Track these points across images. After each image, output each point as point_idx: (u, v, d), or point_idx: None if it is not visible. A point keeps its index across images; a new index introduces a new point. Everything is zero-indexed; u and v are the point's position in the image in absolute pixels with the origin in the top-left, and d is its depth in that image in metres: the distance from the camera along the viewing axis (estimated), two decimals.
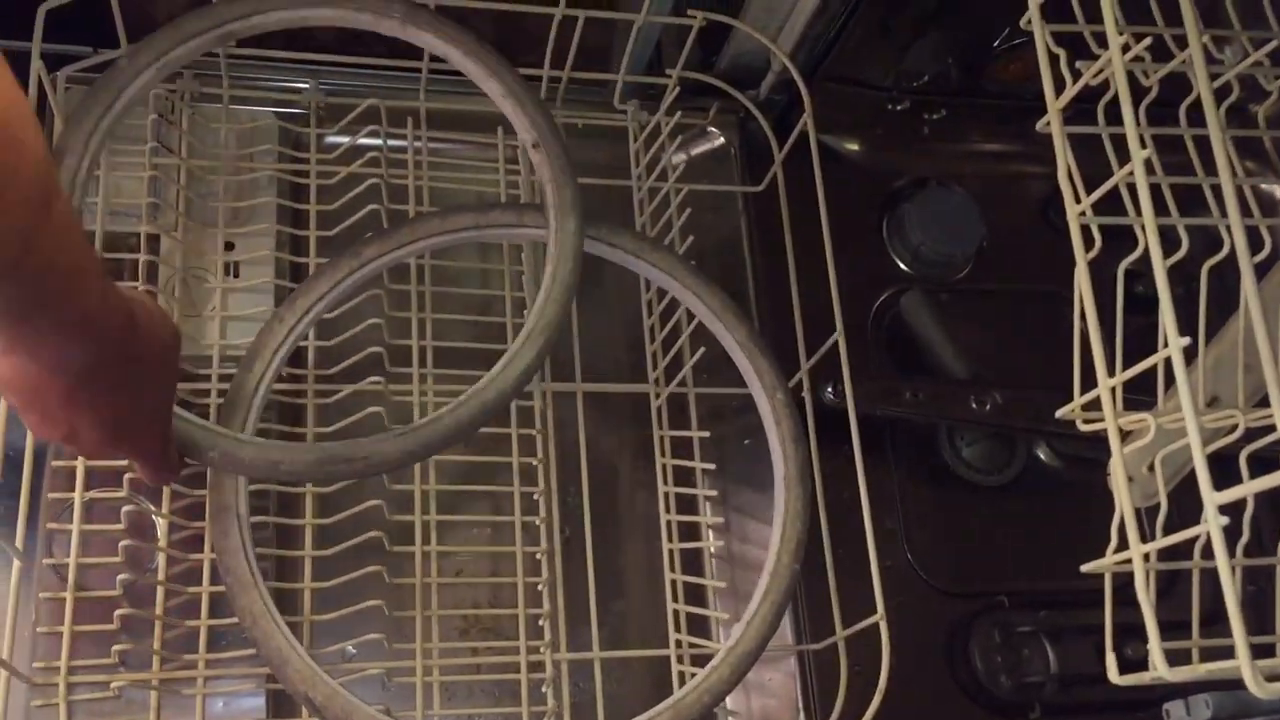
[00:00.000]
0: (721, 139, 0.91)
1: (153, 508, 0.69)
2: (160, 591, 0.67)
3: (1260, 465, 0.62)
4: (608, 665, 0.71)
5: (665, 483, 0.77)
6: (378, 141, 0.78)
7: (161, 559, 0.68)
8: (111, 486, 0.68)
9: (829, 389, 0.77)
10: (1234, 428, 0.59)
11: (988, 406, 0.81)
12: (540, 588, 0.72)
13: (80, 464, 0.68)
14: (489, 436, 0.74)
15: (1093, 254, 0.53)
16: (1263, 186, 0.92)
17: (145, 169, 0.74)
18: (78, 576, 0.66)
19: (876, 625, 0.68)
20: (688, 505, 0.77)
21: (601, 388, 0.79)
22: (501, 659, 0.71)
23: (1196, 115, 0.61)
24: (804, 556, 0.70)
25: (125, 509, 0.67)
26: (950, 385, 0.85)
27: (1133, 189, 0.53)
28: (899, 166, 0.94)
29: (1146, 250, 0.52)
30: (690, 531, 0.77)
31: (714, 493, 0.79)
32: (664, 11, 0.80)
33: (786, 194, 0.81)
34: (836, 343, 0.74)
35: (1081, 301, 0.54)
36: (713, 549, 0.79)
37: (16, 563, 0.63)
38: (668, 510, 0.77)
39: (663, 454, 0.78)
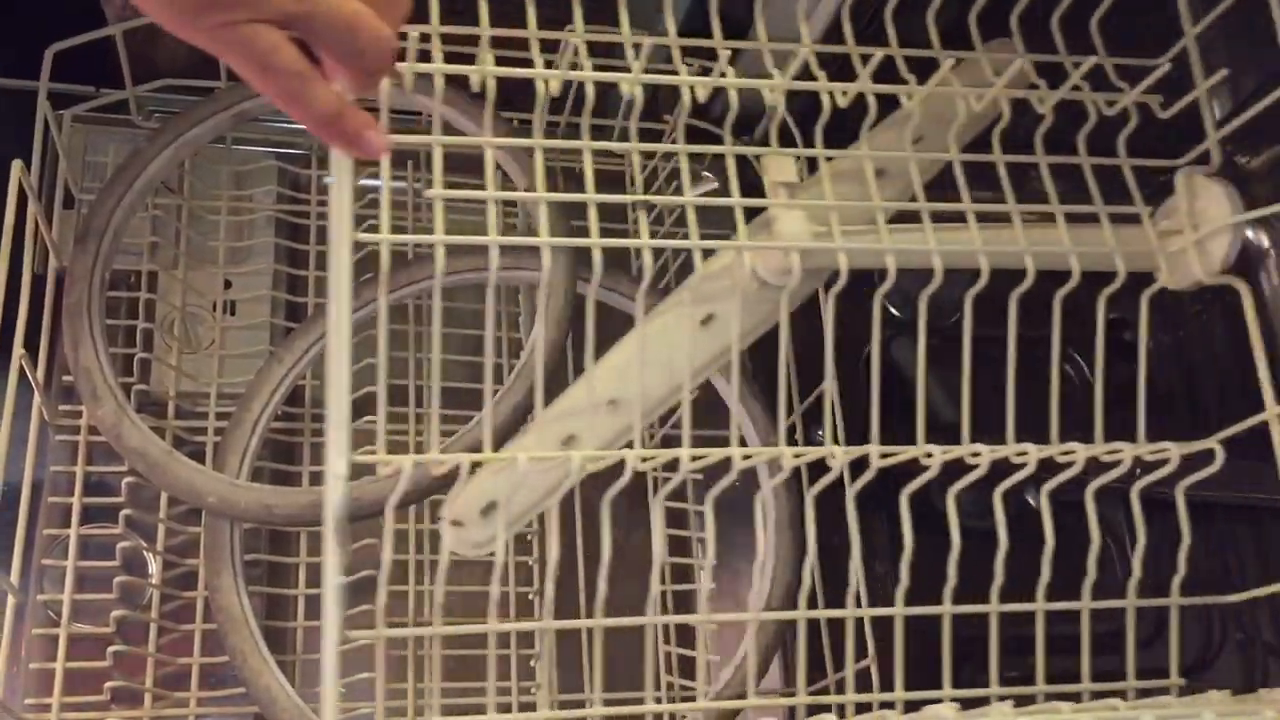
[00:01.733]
0: (717, 184, 0.92)
1: (146, 544, 0.69)
2: (153, 628, 0.67)
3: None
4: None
5: (658, 524, 0.78)
6: (378, 183, 0.79)
7: (155, 596, 0.68)
8: (107, 523, 0.68)
9: (820, 433, 0.78)
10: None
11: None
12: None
13: (76, 500, 0.68)
14: None
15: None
16: None
17: (148, 209, 0.74)
18: (71, 613, 0.66)
19: (867, 670, 0.68)
20: (680, 547, 0.78)
21: None
22: (493, 700, 0.71)
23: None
24: (793, 601, 0.70)
25: (120, 545, 0.67)
26: (940, 430, 0.86)
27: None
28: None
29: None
30: (682, 573, 0.78)
31: (705, 535, 0.79)
32: (661, 59, 0.81)
33: None
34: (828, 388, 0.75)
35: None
36: (705, 591, 0.79)
37: (11, 599, 0.64)
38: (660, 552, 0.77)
39: (655, 495, 0.78)
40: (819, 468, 0.77)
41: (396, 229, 0.78)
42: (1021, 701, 0.63)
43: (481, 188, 0.83)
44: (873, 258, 0.62)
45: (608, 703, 0.68)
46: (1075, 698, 0.64)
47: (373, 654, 0.67)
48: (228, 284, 0.77)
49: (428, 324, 0.78)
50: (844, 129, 0.65)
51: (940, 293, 0.92)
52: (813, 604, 0.73)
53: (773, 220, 0.62)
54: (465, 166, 0.83)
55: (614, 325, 0.84)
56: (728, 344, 0.62)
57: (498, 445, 0.66)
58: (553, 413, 0.63)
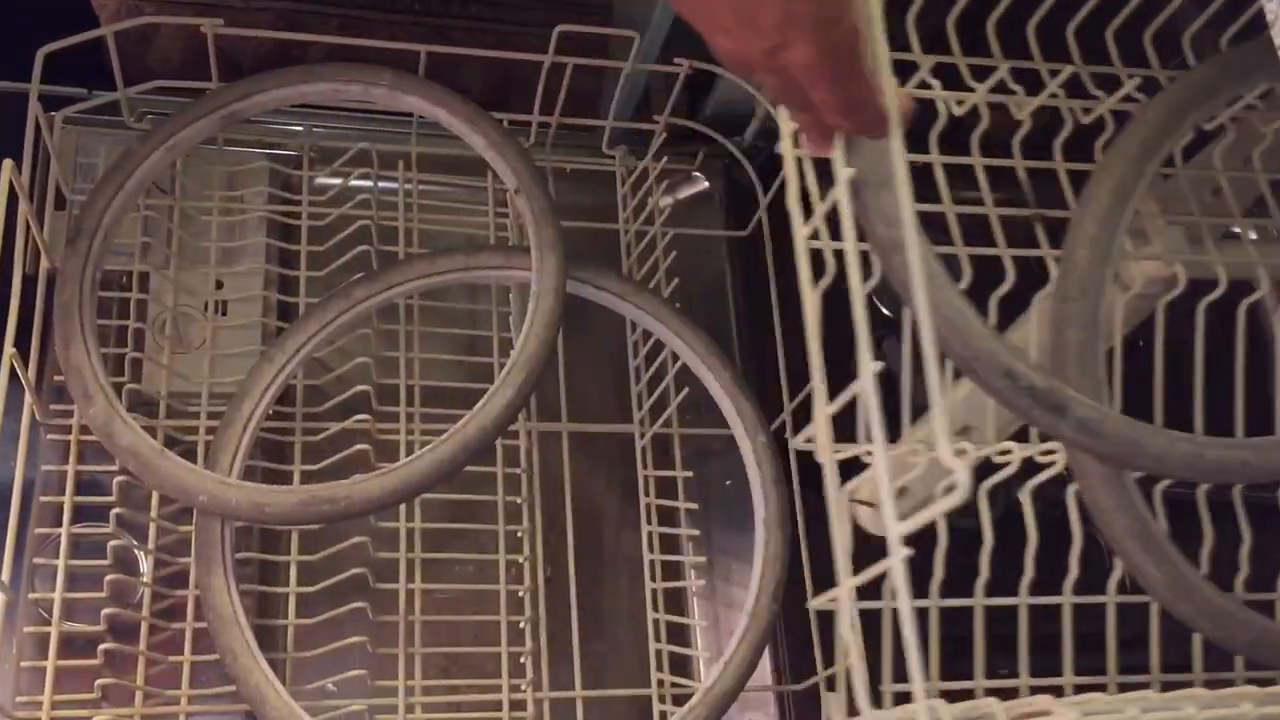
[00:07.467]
0: (707, 184, 0.92)
1: (137, 543, 0.69)
2: (144, 627, 0.67)
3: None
4: (589, 704, 0.72)
5: (649, 522, 0.78)
6: (369, 184, 0.79)
7: (146, 594, 0.68)
8: (98, 522, 0.68)
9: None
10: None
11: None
12: (523, 625, 0.73)
13: (68, 499, 0.68)
14: (474, 475, 0.75)
15: (825, 282, 0.51)
16: None
17: (140, 209, 0.75)
18: (62, 611, 0.66)
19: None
20: (671, 545, 0.78)
21: (586, 428, 0.80)
22: (483, 697, 0.71)
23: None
24: (784, 597, 0.70)
25: (111, 544, 0.67)
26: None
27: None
28: None
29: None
30: (673, 570, 0.78)
31: (696, 532, 0.80)
32: (651, 59, 0.81)
33: (771, 238, 0.82)
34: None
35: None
36: (695, 588, 0.79)
37: (2, 597, 0.64)
38: (651, 549, 0.77)
39: (646, 494, 0.79)
40: (809, 464, 0.77)
41: (387, 228, 0.79)
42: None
43: (468, 188, 0.84)
44: (1242, 270, 0.67)
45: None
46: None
47: (363, 653, 0.67)
48: (219, 284, 0.77)
49: (419, 324, 0.78)
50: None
51: None
52: (802, 598, 0.73)
53: (1153, 235, 0.65)
54: (456, 168, 0.84)
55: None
56: None
57: (493, 438, 0.67)
58: (946, 404, 0.64)
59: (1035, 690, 0.66)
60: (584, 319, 0.83)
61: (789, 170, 0.52)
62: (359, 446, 0.71)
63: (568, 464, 0.77)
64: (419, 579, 0.72)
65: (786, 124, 0.52)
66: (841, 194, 0.49)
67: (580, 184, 0.86)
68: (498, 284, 0.80)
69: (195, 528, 0.66)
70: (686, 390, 0.77)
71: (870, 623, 0.55)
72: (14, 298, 0.64)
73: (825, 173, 0.50)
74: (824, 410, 0.49)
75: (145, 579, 0.69)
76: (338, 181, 0.80)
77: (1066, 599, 0.67)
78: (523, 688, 0.71)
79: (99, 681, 0.64)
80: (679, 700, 0.71)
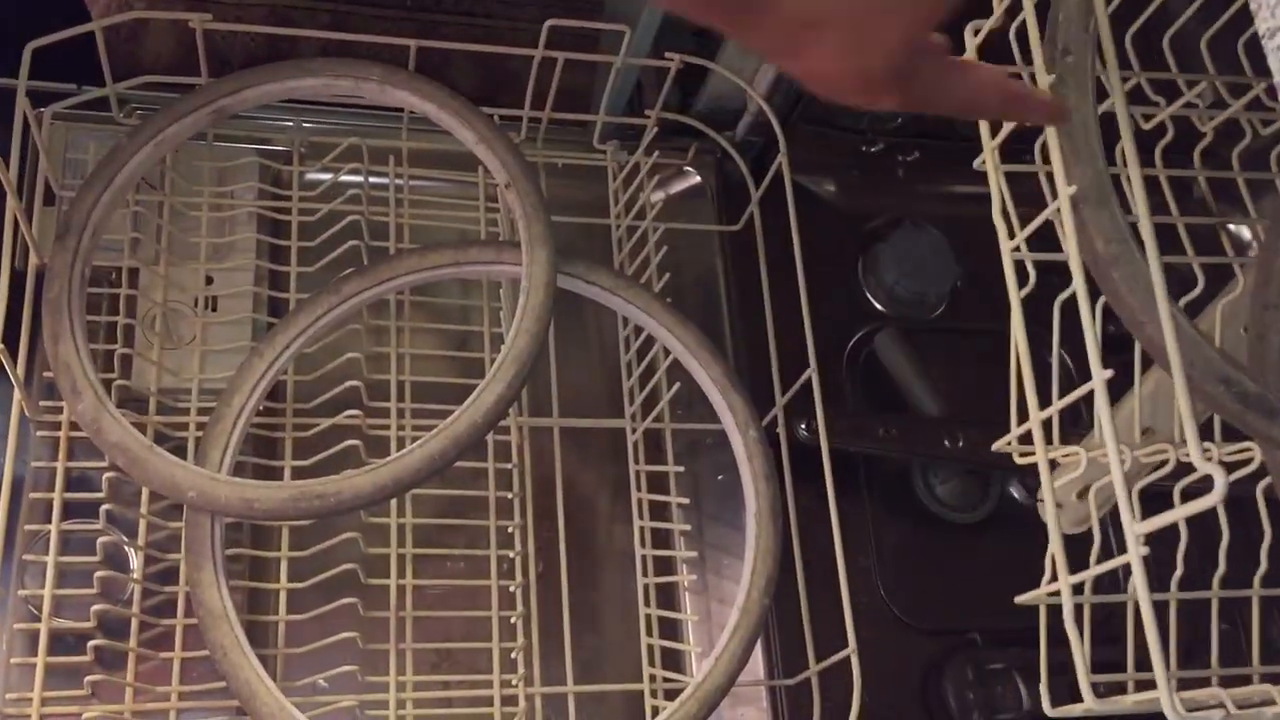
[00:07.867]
0: (699, 178, 0.92)
1: (127, 539, 0.69)
2: (134, 623, 0.67)
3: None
4: (581, 699, 0.72)
5: (640, 517, 0.78)
6: (359, 179, 0.79)
7: (136, 591, 0.68)
8: (88, 518, 0.68)
9: (803, 426, 0.78)
10: (1166, 463, 0.60)
11: (960, 444, 0.82)
12: (514, 621, 0.73)
13: (57, 495, 0.68)
14: (466, 471, 0.75)
15: (1027, 289, 0.54)
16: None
17: (129, 205, 0.74)
18: (52, 608, 0.66)
19: (848, 660, 0.69)
20: (662, 539, 0.78)
21: (578, 423, 0.80)
22: (474, 693, 0.71)
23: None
24: (776, 592, 0.70)
25: (101, 540, 0.67)
26: (923, 423, 0.86)
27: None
28: (874, 207, 0.96)
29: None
30: (665, 566, 0.78)
31: (688, 527, 0.80)
32: (642, 54, 0.81)
33: (763, 233, 0.82)
34: (810, 380, 0.75)
35: (1015, 336, 0.55)
36: (687, 583, 0.79)
37: None
38: (643, 544, 0.77)
39: (638, 488, 0.79)
40: (802, 458, 0.77)
41: (378, 223, 0.79)
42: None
43: (459, 183, 0.84)
44: None
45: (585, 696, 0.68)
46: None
47: (354, 648, 0.67)
48: (209, 280, 0.77)
49: (410, 319, 0.78)
50: None
51: (923, 288, 0.93)
52: (793, 593, 0.73)
53: None
54: (447, 163, 0.84)
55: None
56: None
57: (484, 433, 0.66)
58: (1128, 405, 0.66)
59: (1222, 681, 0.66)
60: (575, 314, 0.83)
61: (992, 184, 0.55)
62: (349, 442, 0.70)
63: (559, 459, 0.77)
64: (410, 574, 0.72)
65: (989, 140, 0.55)
66: (1065, 209, 0.52)
67: (571, 179, 0.86)
68: (489, 279, 0.80)
69: (185, 524, 0.66)
70: (678, 385, 0.77)
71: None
72: (2, 294, 0.64)
73: None
74: (1037, 415, 0.53)
75: (135, 575, 0.69)
76: (328, 176, 0.79)
77: (1256, 592, 0.67)
78: (514, 683, 0.71)
79: (89, 678, 0.64)
80: (671, 695, 0.71)
